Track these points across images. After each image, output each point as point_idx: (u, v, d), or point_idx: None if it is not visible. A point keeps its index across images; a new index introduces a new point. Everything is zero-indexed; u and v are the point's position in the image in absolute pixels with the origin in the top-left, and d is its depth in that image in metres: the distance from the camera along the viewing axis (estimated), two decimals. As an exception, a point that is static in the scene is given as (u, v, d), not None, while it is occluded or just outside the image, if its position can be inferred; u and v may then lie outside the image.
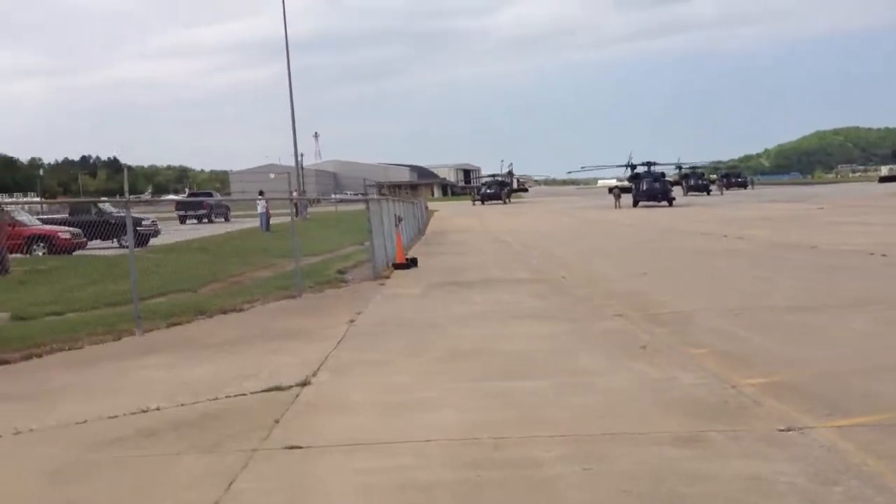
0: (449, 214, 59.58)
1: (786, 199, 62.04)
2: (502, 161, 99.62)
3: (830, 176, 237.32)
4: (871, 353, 8.04)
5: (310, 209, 45.82)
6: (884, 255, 16.96)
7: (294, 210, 43.94)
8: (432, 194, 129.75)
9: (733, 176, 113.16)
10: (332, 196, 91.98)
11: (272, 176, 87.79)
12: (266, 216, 34.97)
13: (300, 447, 5.80)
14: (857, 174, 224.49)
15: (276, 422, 6.47)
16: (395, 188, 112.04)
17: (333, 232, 32.73)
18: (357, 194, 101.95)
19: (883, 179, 78.75)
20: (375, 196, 20.17)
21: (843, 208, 42.77)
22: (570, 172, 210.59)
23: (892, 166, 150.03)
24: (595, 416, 6.28)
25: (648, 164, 62.83)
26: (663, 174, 62.68)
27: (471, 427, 6.07)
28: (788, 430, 5.77)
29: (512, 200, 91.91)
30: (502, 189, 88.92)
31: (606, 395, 6.86)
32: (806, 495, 4.64)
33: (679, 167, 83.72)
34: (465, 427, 6.08)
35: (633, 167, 63.32)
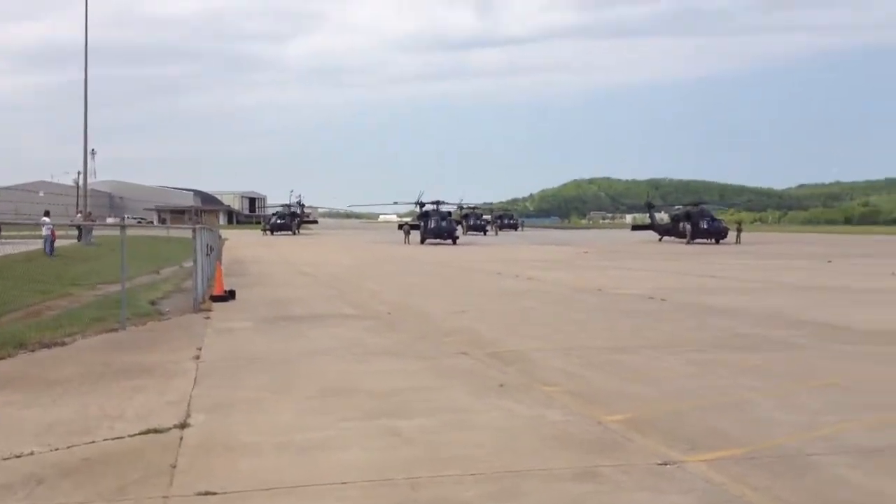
0: (240, 244, 58.24)
1: (554, 243, 66.14)
2: (291, 191, 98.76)
3: (584, 221, 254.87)
4: (697, 392, 9.00)
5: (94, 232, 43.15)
6: (662, 300, 18.76)
7: (79, 233, 41.05)
8: (217, 221, 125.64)
9: (506, 217, 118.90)
10: (126, 217, 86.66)
11: (41, 193, 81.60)
12: (51, 239, 32.73)
13: (215, 493, 5.74)
14: (607, 220, 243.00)
15: (173, 466, 6.32)
16: (179, 214, 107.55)
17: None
18: (138, 219, 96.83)
19: (635, 228, 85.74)
20: (196, 225, 19.52)
21: (606, 253, 46.38)
22: (350, 206, 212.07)
23: (635, 215, 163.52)
24: (492, 453, 6.67)
25: (437, 202, 64.84)
26: (450, 213, 64.92)
27: (381, 467, 6.27)
28: (665, 464, 6.46)
29: (301, 232, 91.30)
30: (293, 220, 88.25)
31: (492, 433, 7.29)
32: (707, 522, 5.30)
33: (461, 207, 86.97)
34: (375, 467, 6.28)
35: (422, 205, 65.06)
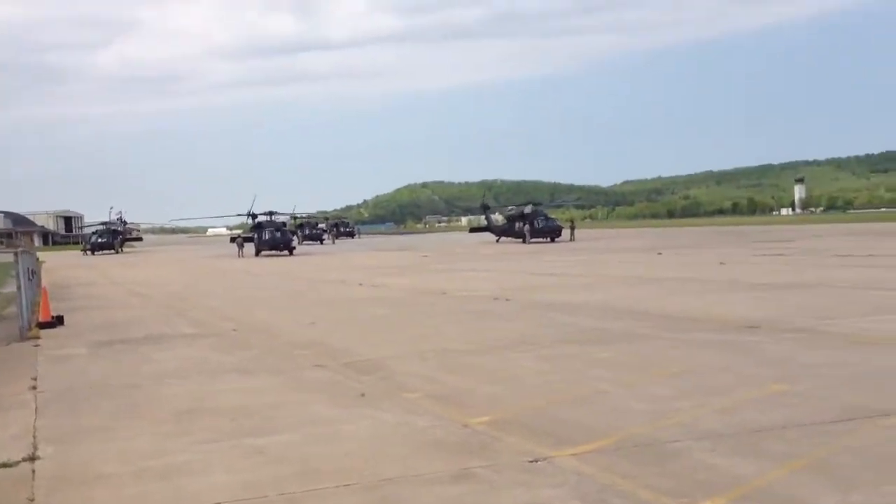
0: (60, 265, 55.01)
1: (393, 248, 66.43)
2: (111, 208, 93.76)
3: (420, 226, 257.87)
4: (553, 388, 9.20)
5: None
6: (507, 300, 19.18)
7: None
8: (32, 244, 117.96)
9: (342, 225, 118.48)
10: None
11: None
12: None
13: (76, 527, 5.36)
14: (443, 224, 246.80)
15: (31, 500, 5.87)
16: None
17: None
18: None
19: (473, 230, 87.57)
20: (17, 248, 18.20)
21: (447, 256, 47.05)
22: (172, 220, 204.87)
23: (471, 217, 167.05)
24: (365, 462, 6.55)
25: (270, 213, 63.60)
26: (285, 224, 63.84)
27: (252, 486, 6.03)
28: (536, 460, 6.55)
29: (126, 250, 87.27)
30: (115, 238, 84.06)
31: (360, 442, 7.17)
32: (583, 514, 5.40)
33: (294, 217, 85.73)
34: (246, 487, 6.02)
35: (255, 216, 63.60)
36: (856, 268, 24.95)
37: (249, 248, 60.56)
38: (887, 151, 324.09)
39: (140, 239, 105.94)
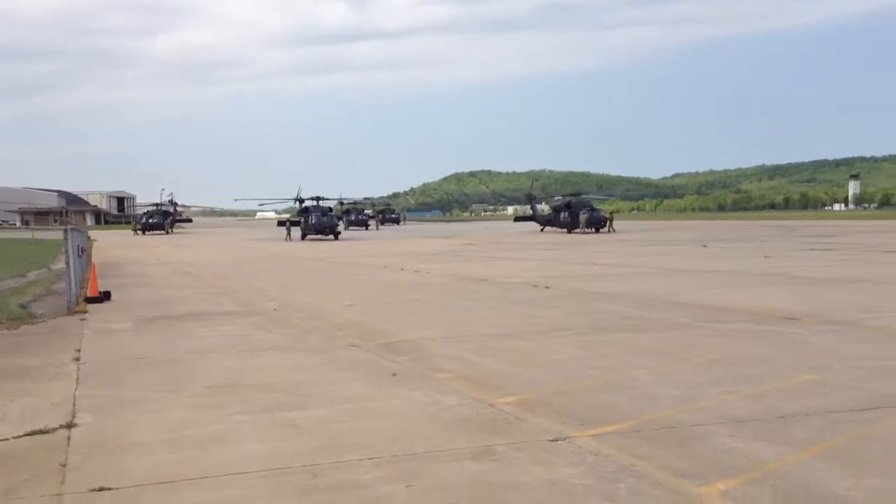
0: (111, 244, 56.20)
1: (437, 235, 66.64)
2: (162, 190, 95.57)
3: (466, 214, 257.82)
4: (585, 372, 9.29)
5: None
6: (547, 288, 19.22)
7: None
8: (85, 222, 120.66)
9: (388, 212, 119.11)
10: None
11: None
12: None
13: (109, 489, 5.59)
14: (489, 213, 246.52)
15: (63, 465, 6.11)
16: (44, 215, 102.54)
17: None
18: None
19: (517, 219, 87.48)
20: (67, 226, 18.75)
21: (490, 244, 47.10)
22: (237, 200, 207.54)
23: (517, 207, 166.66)
24: (391, 438, 6.71)
25: (317, 198, 64.21)
26: (330, 209, 64.42)
27: (279, 457, 6.23)
28: (556, 440, 6.65)
29: (175, 231, 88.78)
30: (165, 219, 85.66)
31: (388, 420, 7.33)
32: (600, 492, 5.49)
33: (341, 202, 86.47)
34: (274, 457, 6.22)
35: (302, 201, 64.26)
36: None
37: (297, 232, 61.27)
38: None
39: (190, 220, 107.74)
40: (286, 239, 59.53)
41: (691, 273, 23.08)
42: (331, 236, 59.19)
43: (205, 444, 6.63)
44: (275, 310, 15.98)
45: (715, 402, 7.66)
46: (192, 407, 7.88)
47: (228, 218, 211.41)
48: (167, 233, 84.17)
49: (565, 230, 64.96)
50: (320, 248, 47.55)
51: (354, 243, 54.23)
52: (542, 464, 6.03)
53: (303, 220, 60.77)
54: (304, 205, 63.45)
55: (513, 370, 9.48)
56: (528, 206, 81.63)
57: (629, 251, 36.61)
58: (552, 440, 6.60)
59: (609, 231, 64.26)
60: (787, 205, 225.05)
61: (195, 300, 18.12)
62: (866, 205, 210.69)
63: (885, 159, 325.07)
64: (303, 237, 59.55)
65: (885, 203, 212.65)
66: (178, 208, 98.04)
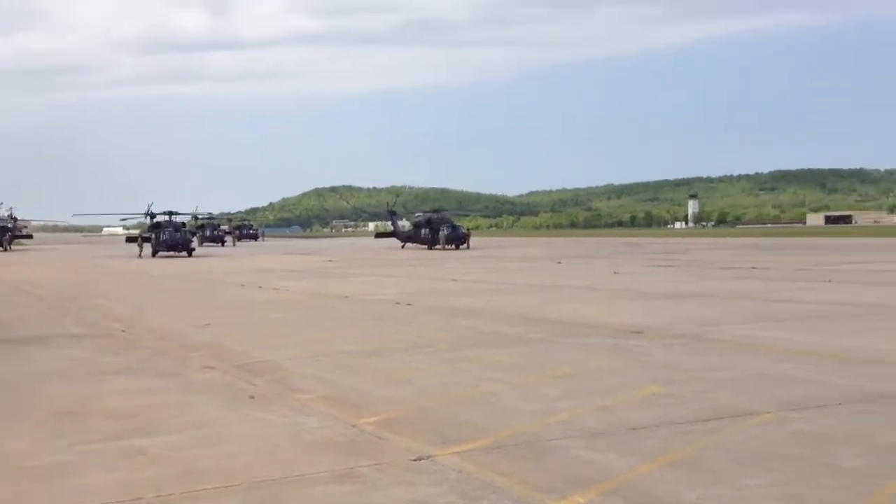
0: (-59, 263, 52.38)
1: (297, 252, 65.74)
2: (1, 204, 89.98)
3: (327, 230, 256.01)
4: (446, 389, 9.32)
5: None
6: (409, 305, 19.28)
7: None
8: None
9: (245, 228, 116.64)
10: None
11: None
12: None
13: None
14: (349, 229, 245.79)
15: None
16: None
17: None
18: None
19: (378, 235, 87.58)
20: None
21: (351, 261, 46.89)
22: (75, 215, 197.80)
23: (378, 223, 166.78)
24: (249, 463, 6.52)
25: (170, 213, 62.09)
26: (184, 224, 62.42)
27: (130, 488, 5.93)
28: (419, 459, 6.64)
29: (14, 248, 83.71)
30: (3, 235, 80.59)
31: (246, 444, 7.12)
32: (462, 510, 5.52)
33: (196, 217, 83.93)
34: (121, 488, 5.92)
35: (153, 216, 61.99)
36: (738, 279, 26.03)
37: (148, 248, 59.06)
38: (776, 171, 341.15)
39: (30, 237, 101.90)
40: (139, 255, 57.29)
41: (546, 288, 23.68)
42: (184, 253, 57.41)
43: (46, 476, 6.24)
44: (123, 331, 15.31)
45: (570, 415, 7.85)
46: (32, 436, 7.42)
47: (74, 234, 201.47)
48: (6, 249, 79.34)
49: (426, 246, 65.43)
50: (173, 265, 46.00)
51: (210, 260, 52.77)
52: (404, 484, 6.01)
53: (154, 235, 58.62)
54: (155, 220, 61.24)
55: (374, 389, 9.42)
56: (390, 222, 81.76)
57: (487, 267, 37.24)
58: (415, 459, 6.59)
59: (465, 247, 65.11)
60: (633, 222, 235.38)
61: (36, 321, 17.13)
62: (704, 223, 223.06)
63: (721, 180, 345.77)
64: (154, 253, 57.47)
65: (721, 221, 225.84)
66: (19, 223, 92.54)
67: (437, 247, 64.03)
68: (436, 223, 66.14)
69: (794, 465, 6.26)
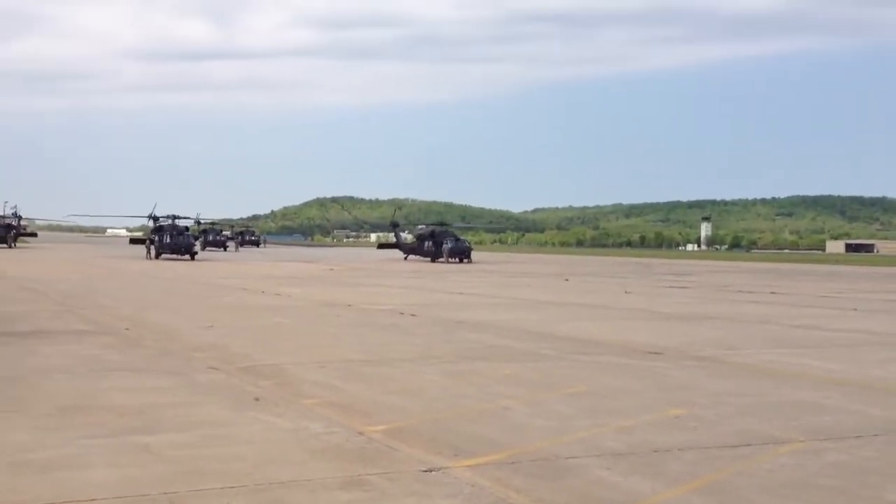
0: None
1: (298, 259, 65.59)
2: (6, 202, 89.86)
3: (328, 239, 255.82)
4: (456, 401, 9.13)
5: None
6: (413, 315, 19.07)
7: None
8: None
9: (247, 234, 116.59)
10: None
11: None
12: None
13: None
14: (351, 239, 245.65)
15: None
16: None
17: None
18: None
19: (381, 246, 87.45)
20: None
21: (353, 270, 46.69)
22: (69, 215, 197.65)
23: (379, 234, 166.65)
24: (255, 465, 6.32)
25: (173, 216, 62.02)
26: (187, 228, 62.35)
27: (134, 484, 5.74)
28: (430, 470, 6.43)
29: (19, 245, 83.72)
30: (8, 232, 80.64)
31: (252, 446, 6.92)
32: (477, 525, 5.31)
33: (198, 222, 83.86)
34: (127, 484, 5.73)
35: (156, 219, 61.92)
36: (757, 304, 25.72)
37: (153, 250, 59.00)
38: (794, 196, 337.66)
39: (34, 235, 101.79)
40: (146, 257, 57.39)
41: (554, 305, 23.46)
42: (187, 256, 57.34)
43: (50, 469, 6.07)
44: (127, 329, 15.12)
45: (587, 433, 7.63)
46: (37, 429, 7.24)
47: (78, 234, 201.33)
48: (10, 247, 79.30)
49: (429, 259, 65.19)
50: (176, 267, 45.84)
51: (212, 264, 52.60)
52: (416, 495, 5.80)
53: (157, 238, 58.62)
54: (158, 223, 61.18)
55: (382, 398, 9.22)
56: (391, 234, 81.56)
57: (493, 282, 36.99)
58: (426, 470, 6.38)
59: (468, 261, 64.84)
60: (642, 243, 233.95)
61: (40, 318, 16.95)
62: (717, 246, 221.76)
63: (734, 203, 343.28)
64: (157, 256, 57.41)
65: (735, 245, 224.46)
66: (23, 221, 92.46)
67: (441, 260, 63.78)
68: (439, 236, 65.91)
69: (835, 496, 5.99)
